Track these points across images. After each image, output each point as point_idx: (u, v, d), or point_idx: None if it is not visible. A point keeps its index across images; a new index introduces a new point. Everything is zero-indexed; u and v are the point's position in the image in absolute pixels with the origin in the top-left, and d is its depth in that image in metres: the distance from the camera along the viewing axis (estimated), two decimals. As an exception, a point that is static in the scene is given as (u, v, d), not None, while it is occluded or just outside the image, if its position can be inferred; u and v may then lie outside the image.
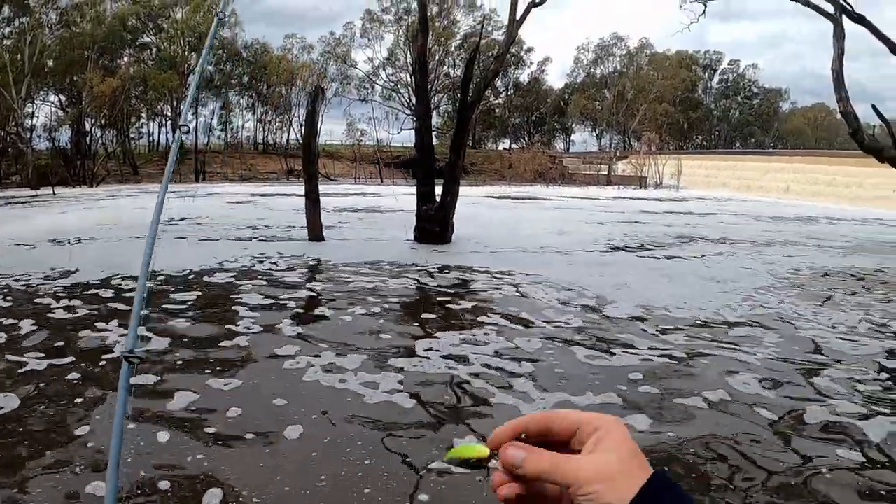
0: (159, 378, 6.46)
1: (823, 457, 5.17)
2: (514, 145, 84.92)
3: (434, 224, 17.26)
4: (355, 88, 75.75)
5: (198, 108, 65.93)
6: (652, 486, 0.68)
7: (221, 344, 7.70)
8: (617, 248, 17.70)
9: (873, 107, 23.02)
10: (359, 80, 76.05)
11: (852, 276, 14.59)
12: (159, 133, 70.62)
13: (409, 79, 69.23)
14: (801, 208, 37.29)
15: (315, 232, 16.98)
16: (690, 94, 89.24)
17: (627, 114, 76.39)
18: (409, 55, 67.68)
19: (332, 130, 73.64)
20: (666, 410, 6.07)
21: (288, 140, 73.97)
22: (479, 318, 9.34)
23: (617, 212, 30.94)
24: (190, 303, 9.83)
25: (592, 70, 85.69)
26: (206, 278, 11.71)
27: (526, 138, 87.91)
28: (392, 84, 75.53)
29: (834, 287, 13.11)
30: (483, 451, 0.78)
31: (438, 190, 17.83)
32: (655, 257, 16.32)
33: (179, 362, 7.02)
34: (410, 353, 7.60)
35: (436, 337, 8.26)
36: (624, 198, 43.19)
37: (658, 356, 7.73)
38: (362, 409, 5.87)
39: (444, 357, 7.44)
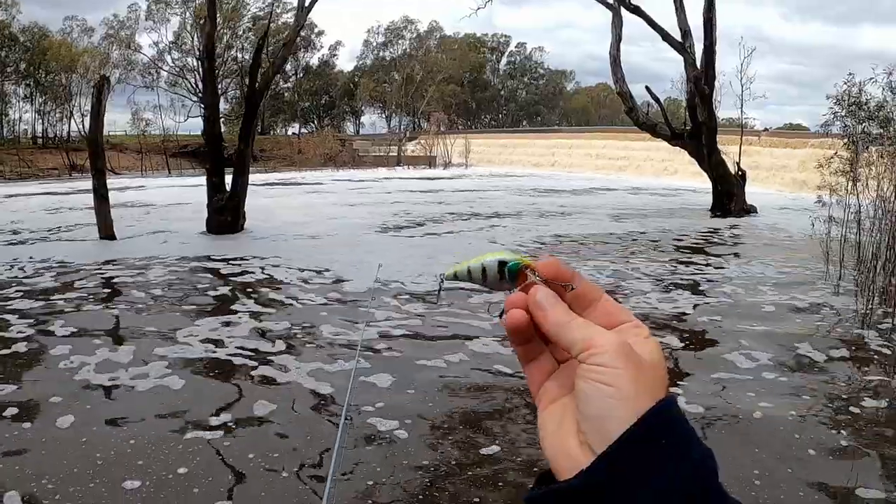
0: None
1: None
2: (303, 130, 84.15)
3: (226, 214, 17.26)
4: (140, 75, 72.41)
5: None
6: (668, 406, 0.59)
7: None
8: (386, 229, 18.53)
9: (647, 88, 25.26)
10: (143, 66, 72.67)
11: (581, 242, 16.61)
12: None
13: (195, 63, 65.97)
14: (580, 181, 40.15)
15: (106, 231, 16.42)
16: (479, 76, 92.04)
17: (416, 95, 77.69)
18: (195, 39, 65.06)
19: (115, 121, 69.02)
20: (409, 371, 7.08)
21: (69, 133, 68.44)
22: (232, 306, 9.98)
23: (392, 192, 31.93)
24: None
25: (382, 53, 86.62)
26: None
27: (316, 122, 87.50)
28: (178, 69, 72.70)
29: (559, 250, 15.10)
30: (527, 260, 0.67)
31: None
32: (410, 236, 17.46)
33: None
34: (174, 340, 8.07)
35: (197, 325, 8.78)
36: (403, 178, 44.33)
37: (396, 327, 8.70)
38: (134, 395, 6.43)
39: (203, 341, 8.02)
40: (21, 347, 7.83)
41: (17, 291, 10.72)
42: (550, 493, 0.60)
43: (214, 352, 7.69)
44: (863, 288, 10.69)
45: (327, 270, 12.37)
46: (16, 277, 11.84)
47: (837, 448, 5.48)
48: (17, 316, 9.18)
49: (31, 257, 13.68)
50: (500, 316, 0.68)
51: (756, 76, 53.58)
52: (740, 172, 24.17)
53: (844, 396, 6.63)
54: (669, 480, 0.56)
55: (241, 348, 7.83)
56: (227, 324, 8.89)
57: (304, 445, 5.49)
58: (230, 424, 5.75)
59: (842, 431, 5.79)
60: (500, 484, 4.90)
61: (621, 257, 14.38)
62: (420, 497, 4.70)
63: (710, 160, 23.54)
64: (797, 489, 4.86)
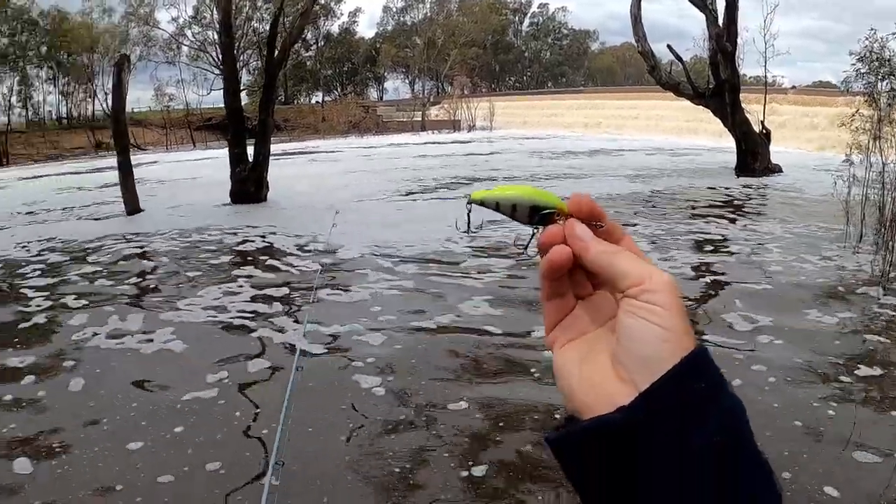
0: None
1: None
2: (327, 98, 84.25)
3: (249, 185, 17.49)
4: (161, 50, 72.44)
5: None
6: (705, 350, 0.59)
7: (20, 326, 8.06)
8: (399, 194, 18.69)
9: (668, 46, 24.91)
10: (164, 42, 72.71)
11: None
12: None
13: (215, 37, 66.48)
14: (602, 141, 40.03)
15: (132, 205, 16.67)
16: (501, 38, 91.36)
17: (439, 59, 77.38)
18: (215, 12, 65.03)
19: (139, 97, 69.23)
20: (402, 334, 7.34)
21: (93, 111, 68.85)
22: (234, 272, 10.38)
23: (411, 158, 31.95)
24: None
25: (402, 18, 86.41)
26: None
27: (339, 90, 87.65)
28: (199, 43, 72.63)
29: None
30: (563, 205, 0.67)
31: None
32: (413, 200, 17.68)
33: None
34: (176, 308, 8.46)
35: (199, 295, 9.08)
36: (425, 143, 44.48)
37: (388, 289, 9.08)
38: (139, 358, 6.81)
39: (205, 308, 8.40)
40: (40, 319, 8.24)
41: (36, 268, 11.12)
42: (580, 431, 0.59)
43: (216, 316, 8.09)
44: (882, 247, 10.46)
45: (330, 236, 12.67)
46: (39, 254, 12.29)
47: (824, 414, 5.43)
48: (33, 290, 9.61)
49: (41, 236, 14.04)
50: (526, 248, 0.70)
51: (780, 33, 52.78)
52: (764, 131, 23.85)
53: (842, 359, 6.51)
54: (708, 421, 0.55)
55: (242, 312, 8.23)
56: (232, 291, 9.21)
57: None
58: (226, 383, 6.08)
59: (835, 391, 5.76)
60: (467, 436, 5.11)
61: (625, 217, 14.31)
62: (389, 451, 4.93)
63: (733, 119, 23.27)
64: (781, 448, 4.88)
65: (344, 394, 5.81)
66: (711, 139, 34.47)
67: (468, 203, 0.70)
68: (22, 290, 9.68)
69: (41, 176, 32.05)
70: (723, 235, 12.61)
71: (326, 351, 6.84)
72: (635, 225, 13.46)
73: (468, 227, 0.73)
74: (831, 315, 7.79)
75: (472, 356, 6.72)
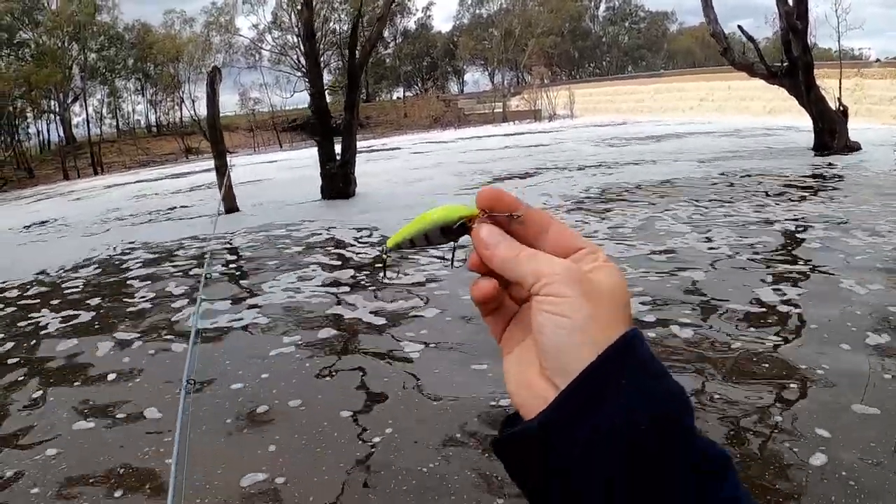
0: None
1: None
2: (407, 93, 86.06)
3: (338, 181, 18.92)
4: (242, 56, 74.51)
5: (86, 98, 65.14)
6: (630, 342, 0.57)
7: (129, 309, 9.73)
8: (466, 190, 19.35)
9: (739, 27, 24.98)
10: (245, 48, 74.98)
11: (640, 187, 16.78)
12: (48, 131, 68.19)
13: (296, 40, 67.92)
14: (679, 125, 40.33)
15: (229, 204, 18.15)
16: (578, 24, 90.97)
17: (517, 50, 77.52)
18: (293, 16, 66.48)
19: (224, 103, 71.38)
20: (450, 307, 8.41)
21: (181, 118, 72.76)
22: (306, 259, 11.82)
23: (488, 150, 33.25)
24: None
25: (478, 10, 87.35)
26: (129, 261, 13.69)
27: (419, 85, 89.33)
28: (279, 48, 74.55)
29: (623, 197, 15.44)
30: (472, 211, 0.65)
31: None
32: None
33: (97, 325, 9.06)
34: (258, 291, 9.95)
35: (276, 280, 10.53)
36: (503, 134, 45.79)
37: (439, 269, 10.16)
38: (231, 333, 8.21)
39: (284, 290, 9.82)
40: (147, 304, 9.83)
41: (135, 261, 12.96)
42: (509, 437, 0.60)
43: (293, 296, 9.49)
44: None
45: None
46: (129, 250, 14.18)
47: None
48: (138, 280, 11.29)
49: (124, 240, 15.67)
50: (451, 264, 0.71)
51: (862, 2, 50.96)
52: (841, 108, 23.54)
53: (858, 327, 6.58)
54: (614, 414, 0.54)
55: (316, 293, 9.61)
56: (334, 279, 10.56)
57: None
58: (300, 345, 7.45)
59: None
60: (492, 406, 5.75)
61: (676, 200, 14.43)
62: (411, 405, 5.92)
63: (808, 97, 23.04)
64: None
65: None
66: (793, 118, 33.83)
67: (384, 253, 0.70)
68: (129, 280, 11.41)
69: (144, 180, 34.18)
70: (770, 213, 12.52)
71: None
72: (673, 209, 13.58)
73: (383, 274, 0.76)
74: (867, 287, 7.75)
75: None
